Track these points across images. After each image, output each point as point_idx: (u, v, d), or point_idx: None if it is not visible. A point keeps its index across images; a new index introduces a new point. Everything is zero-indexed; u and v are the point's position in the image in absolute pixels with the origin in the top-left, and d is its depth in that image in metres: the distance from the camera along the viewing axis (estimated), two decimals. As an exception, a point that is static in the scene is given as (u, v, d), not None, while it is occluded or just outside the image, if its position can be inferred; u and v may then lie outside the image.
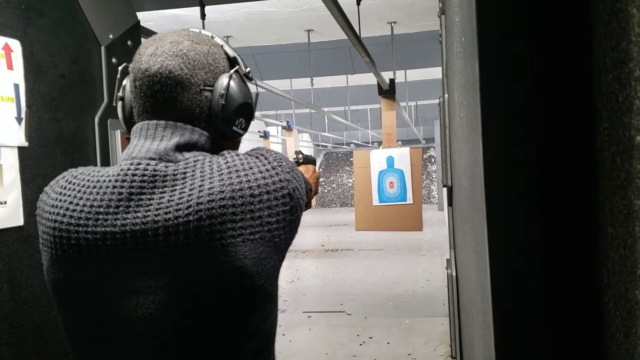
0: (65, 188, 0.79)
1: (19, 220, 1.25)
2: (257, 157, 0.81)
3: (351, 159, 17.72)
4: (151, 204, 0.74)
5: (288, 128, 8.37)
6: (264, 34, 5.19)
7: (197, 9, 3.34)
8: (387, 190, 4.88)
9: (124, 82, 0.90)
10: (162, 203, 0.74)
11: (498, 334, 0.53)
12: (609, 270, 0.46)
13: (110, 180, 0.76)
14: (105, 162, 1.54)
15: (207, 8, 3.41)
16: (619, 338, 0.45)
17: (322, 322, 5.02)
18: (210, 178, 0.75)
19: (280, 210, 0.78)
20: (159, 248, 0.73)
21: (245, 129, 0.89)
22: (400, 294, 5.89)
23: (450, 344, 3.45)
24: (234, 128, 0.85)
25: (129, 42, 1.65)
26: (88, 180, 0.78)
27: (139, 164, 0.77)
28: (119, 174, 0.76)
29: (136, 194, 0.75)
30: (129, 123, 0.88)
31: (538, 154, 0.51)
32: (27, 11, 1.30)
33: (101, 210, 0.75)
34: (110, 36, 1.58)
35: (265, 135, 8.67)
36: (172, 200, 0.74)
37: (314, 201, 1.34)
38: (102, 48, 1.55)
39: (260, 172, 0.78)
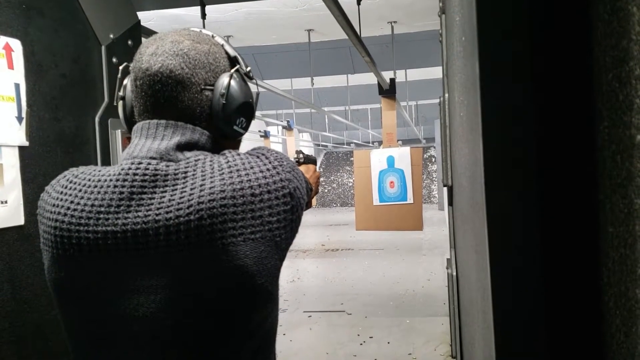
0: (66, 187, 0.79)
1: (20, 220, 1.26)
2: (258, 157, 0.81)
3: (351, 158, 17.72)
4: (152, 204, 0.74)
5: (288, 128, 8.36)
6: (264, 33, 5.20)
7: (198, 8, 3.34)
8: (388, 189, 4.88)
9: (125, 81, 0.90)
10: (163, 202, 0.74)
11: (498, 334, 0.53)
12: (610, 269, 0.46)
13: (111, 180, 0.76)
14: (106, 162, 1.54)
15: (208, 7, 3.40)
16: (620, 337, 0.45)
17: (323, 322, 5.02)
18: (211, 177, 0.75)
19: (281, 209, 0.78)
20: (160, 247, 0.73)
21: (246, 129, 0.89)
22: (400, 294, 5.89)
23: (450, 344, 3.45)
24: (235, 127, 0.86)
25: (129, 42, 1.65)
26: (89, 180, 0.78)
27: (140, 163, 0.77)
28: (120, 174, 0.76)
29: (137, 194, 0.75)
30: (130, 122, 0.88)
31: (538, 153, 0.51)
32: (27, 11, 1.30)
33: (102, 209, 0.75)
34: (111, 36, 1.58)
35: (265, 135, 8.67)
36: (173, 200, 0.74)
37: (314, 201, 1.34)
38: (103, 47, 1.55)
39: (261, 171, 0.78)
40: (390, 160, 4.88)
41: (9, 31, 1.24)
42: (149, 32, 2.21)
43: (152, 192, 0.75)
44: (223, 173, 0.76)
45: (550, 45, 0.51)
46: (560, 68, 0.51)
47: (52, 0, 1.38)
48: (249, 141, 7.55)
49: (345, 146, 16.23)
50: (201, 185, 0.74)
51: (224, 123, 0.84)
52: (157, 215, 0.73)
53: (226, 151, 0.82)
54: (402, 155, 4.84)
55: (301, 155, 1.34)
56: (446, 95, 1.85)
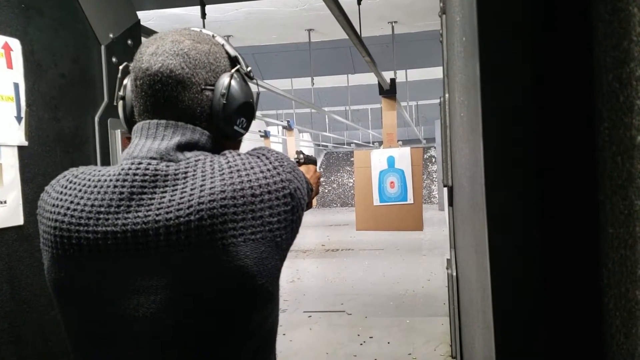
0: (66, 187, 0.79)
1: (19, 220, 1.25)
2: (258, 157, 0.81)
3: (352, 158, 17.73)
4: (152, 204, 0.74)
5: (289, 128, 8.36)
6: (264, 33, 5.19)
7: (198, 8, 3.34)
8: (388, 190, 4.88)
9: (125, 81, 0.89)
10: (163, 202, 0.74)
11: (498, 334, 0.53)
12: (610, 270, 0.46)
13: (111, 180, 0.76)
14: (106, 162, 1.54)
15: (208, 7, 3.41)
16: (620, 338, 0.45)
17: (323, 322, 5.02)
18: (211, 178, 0.75)
19: (281, 210, 0.78)
20: (160, 247, 0.73)
21: (247, 129, 0.89)
22: (400, 294, 5.89)
23: (450, 344, 3.45)
24: (235, 127, 0.85)
25: (129, 42, 1.65)
26: (89, 180, 0.78)
27: (140, 163, 0.77)
28: (120, 174, 0.76)
29: (137, 194, 0.75)
30: (130, 122, 0.88)
31: (538, 153, 0.51)
32: (27, 10, 1.30)
33: (102, 209, 0.75)
34: (111, 35, 1.58)
35: (265, 135, 8.67)
36: (173, 200, 0.74)
37: (314, 201, 1.34)
38: (102, 47, 1.55)
39: (262, 172, 0.78)
40: (391, 161, 4.88)
41: (8, 30, 1.24)
42: (149, 32, 2.21)
43: (152, 192, 0.75)
44: (223, 173, 0.76)
45: (550, 46, 0.51)
46: (561, 68, 0.51)
47: None
48: (249, 141, 7.55)
49: (345, 146, 16.23)
50: (201, 186, 0.74)
51: (224, 123, 0.84)
52: (157, 215, 0.73)
53: (226, 151, 0.82)
54: (403, 156, 4.84)
55: (301, 156, 1.34)
56: (447, 95, 1.85)
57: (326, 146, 16.90)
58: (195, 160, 0.78)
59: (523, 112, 0.51)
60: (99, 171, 0.80)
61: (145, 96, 0.81)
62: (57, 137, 1.38)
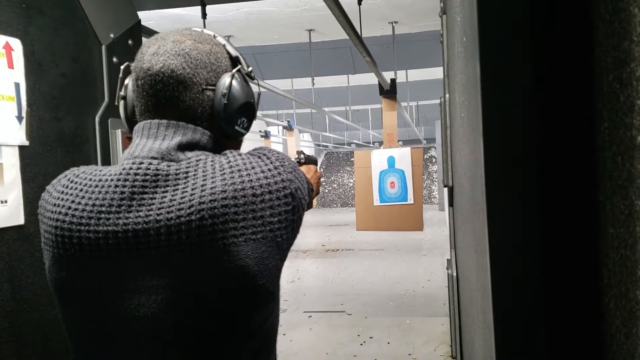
0: (67, 187, 0.79)
1: (20, 219, 1.26)
2: (259, 157, 0.81)
3: (352, 159, 17.72)
4: (153, 204, 0.74)
5: (289, 128, 8.36)
6: (264, 33, 5.20)
7: (198, 8, 3.35)
8: (388, 190, 4.88)
9: (126, 81, 0.90)
10: (164, 202, 0.74)
11: (498, 334, 0.53)
12: (610, 270, 0.46)
13: (112, 180, 0.76)
14: (106, 161, 1.54)
15: (208, 7, 3.41)
16: (620, 338, 0.45)
17: (323, 322, 5.02)
18: (212, 177, 0.75)
19: (282, 210, 0.78)
20: (161, 247, 0.73)
21: (248, 129, 0.89)
22: (400, 294, 5.89)
23: (450, 344, 3.45)
24: (236, 127, 0.85)
25: (129, 42, 1.65)
26: (90, 180, 0.78)
27: (141, 163, 0.77)
28: (121, 173, 0.76)
29: (138, 193, 0.75)
30: (131, 122, 0.88)
31: (538, 153, 0.51)
32: (27, 10, 1.30)
33: (103, 209, 0.75)
34: (111, 35, 1.58)
35: (266, 135, 8.67)
36: (174, 200, 0.74)
37: (315, 201, 1.34)
38: (103, 47, 1.55)
39: (263, 171, 0.78)
40: (391, 161, 4.88)
41: (9, 30, 1.24)
42: (150, 32, 2.22)
43: (153, 192, 0.75)
44: (224, 173, 0.76)
45: (551, 46, 0.51)
46: (561, 68, 0.51)
47: (53, -1, 1.38)
48: (250, 141, 7.55)
49: (345, 146, 16.24)
50: (202, 185, 0.74)
51: (225, 123, 0.84)
52: (158, 215, 0.73)
53: (227, 151, 0.82)
54: (403, 156, 4.84)
55: (302, 156, 1.34)
56: (447, 95, 1.85)
57: (326, 146, 16.90)
58: (196, 160, 0.78)
59: (523, 112, 0.51)
60: (100, 171, 0.80)
61: (147, 96, 0.81)
62: (58, 136, 1.38)
